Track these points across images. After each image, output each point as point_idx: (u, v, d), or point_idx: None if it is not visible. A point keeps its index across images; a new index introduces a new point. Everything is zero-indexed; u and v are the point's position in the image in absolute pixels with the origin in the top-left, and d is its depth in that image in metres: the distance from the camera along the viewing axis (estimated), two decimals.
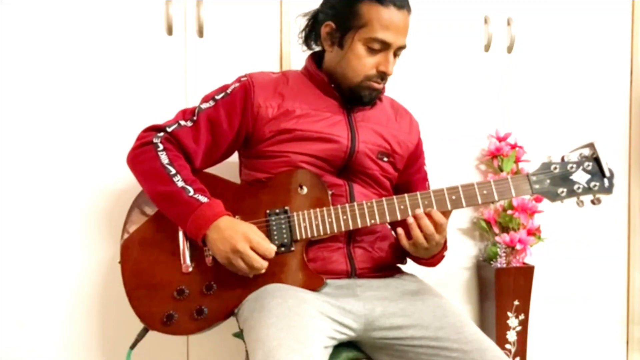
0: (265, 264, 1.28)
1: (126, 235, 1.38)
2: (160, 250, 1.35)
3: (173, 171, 1.32)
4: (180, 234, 1.34)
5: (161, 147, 1.35)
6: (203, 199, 1.29)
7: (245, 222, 1.31)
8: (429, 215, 1.30)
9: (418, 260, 1.47)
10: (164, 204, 1.33)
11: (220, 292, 1.32)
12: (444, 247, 1.44)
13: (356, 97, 1.43)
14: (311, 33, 1.53)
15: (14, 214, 1.68)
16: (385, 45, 1.37)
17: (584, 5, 2.12)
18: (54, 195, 1.71)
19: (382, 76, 1.41)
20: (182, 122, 1.39)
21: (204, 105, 1.41)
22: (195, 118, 1.39)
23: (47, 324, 1.72)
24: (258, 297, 1.28)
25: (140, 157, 1.36)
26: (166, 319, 1.31)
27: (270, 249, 1.29)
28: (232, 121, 1.40)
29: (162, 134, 1.37)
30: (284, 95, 1.42)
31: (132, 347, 1.43)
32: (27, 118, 1.69)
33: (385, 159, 1.46)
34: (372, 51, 1.38)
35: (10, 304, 1.69)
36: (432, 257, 1.42)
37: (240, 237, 1.26)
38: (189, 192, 1.30)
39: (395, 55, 1.41)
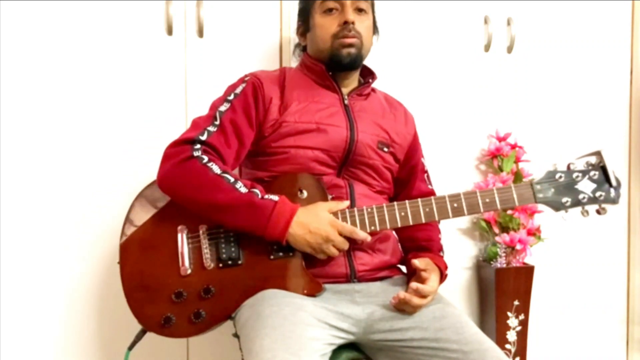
0: (347, 245, 1.31)
1: (125, 237, 1.36)
2: (159, 252, 1.34)
3: (232, 179, 1.28)
4: (180, 236, 1.34)
5: (206, 158, 1.30)
6: (274, 197, 1.28)
7: (315, 206, 1.31)
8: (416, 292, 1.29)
9: None
10: (229, 212, 1.28)
11: (218, 296, 1.31)
12: (443, 277, 1.44)
13: (337, 62, 1.45)
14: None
15: (12, 215, 1.68)
16: (337, 2, 1.44)
17: (584, 5, 2.11)
18: (53, 195, 1.71)
19: (347, 28, 1.43)
20: (210, 129, 1.35)
21: (222, 108, 1.38)
22: (217, 122, 1.36)
23: (45, 324, 1.72)
24: (255, 303, 1.27)
25: (187, 172, 1.29)
26: (164, 322, 1.30)
27: (352, 229, 1.30)
28: (251, 118, 1.39)
29: (198, 145, 1.32)
30: (284, 91, 1.43)
31: (130, 348, 1.43)
32: (27, 118, 1.69)
33: (386, 149, 1.48)
34: (329, 14, 1.45)
35: (9, 304, 1.69)
36: None
37: (328, 226, 1.28)
38: (258, 195, 1.28)
39: (360, 11, 1.46)
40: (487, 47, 2.02)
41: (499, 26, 2.02)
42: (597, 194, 1.27)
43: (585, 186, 1.27)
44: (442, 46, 2.00)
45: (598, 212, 1.28)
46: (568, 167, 1.30)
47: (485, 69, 2.04)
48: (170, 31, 1.75)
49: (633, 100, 2.18)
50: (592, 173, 1.28)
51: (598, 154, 1.29)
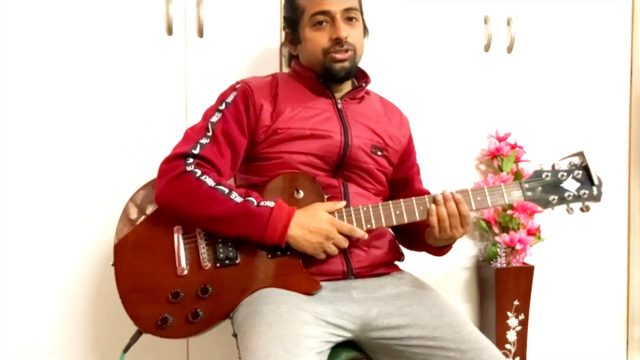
0: (347, 243, 1.33)
1: (120, 237, 1.36)
2: (155, 252, 1.34)
3: (226, 190, 1.30)
4: (176, 236, 1.34)
5: (199, 172, 1.31)
6: (270, 203, 1.29)
7: (313, 207, 1.33)
8: (457, 203, 1.33)
9: (429, 249, 1.50)
10: (227, 223, 1.29)
11: (216, 296, 1.31)
12: (449, 247, 1.48)
13: (331, 76, 1.45)
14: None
15: (12, 214, 1.69)
16: (327, 15, 1.42)
17: (584, 5, 2.11)
18: (53, 195, 1.71)
19: (339, 43, 1.42)
20: (203, 141, 1.36)
21: (214, 119, 1.39)
22: (210, 134, 1.37)
23: (38, 326, 1.72)
24: (252, 301, 1.28)
25: (181, 188, 1.31)
26: (161, 322, 1.30)
27: (350, 227, 1.32)
28: (242, 127, 1.40)
29: (191, 159, 1.33)
30: (276, 97, 1.43)
31: (125, 350, 1.42)
32: (27, 118, 1.69)
33: (379, 153, 1.48)
34: (319, 28, 1.43)
35: (8, 303, 1.70)
36: (445, 246, 1.46)
37: (327, 225, 1.30)
38: (254, 202, 1.29)
39: (350, 20, 1.44)
40: (487, 47, 2.02)
41: (499, 26, 2.02)
42: (581, 192, 1.34)
43: (570, 185, 1.34)
44: (442, 46, 2.00)
45: (582, 209, 1.35)
46: (553, 167, 1.36)
47: (485, 69, 2.04)
48: (170, 31, 1.76)
49: (633, 100, 2.18)
50: (576, 172, 1.34)
51: (581, 154, 1.35)
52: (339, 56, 1.43)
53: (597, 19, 2.13)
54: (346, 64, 1.44)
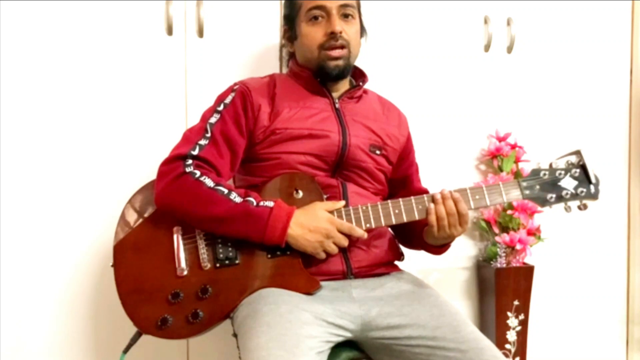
0: (347, 242, 1.33)
1: (119, 238, 1.36)
2: (155, 253, 1.33)
3: (225, 190, 1.30)
4: (175, 236, 1.34)
5: (198, 172, 1.31)
6: (269, 203, 1.30)
7: (312, 206, 1.33)
8: (455, 202, 1.34)
9: (428, 248, 1.50)
10: (226, 224, 1.29)
11: (216, 296, 1.31)
12: (447, 246, 1.48)
13: (325, 73, 1.45)
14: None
15: (10, 215, 1.69)
16: (323, 10, 1.44)
17: (584, 5, 2.11)
18: (52, 196, 1.71)
19: (334, 37, 1.42)
20: (202, 142, 1.36)
21: (213, 120, 1.39)
22: (208, 135, 1.37)
23: (38, 327, 1.72)
24: (252, 301, 1.27)
25: (181, 189, 1.31)
26: (160, 323, 1.30)
27: (350, 226, 1.32)
28: (241, 127, 1.40)
29: (190, 161, 1.33)
30: (274, 97, 1.44)
31: (125, 351, 1.42)
32: (26, 118, 1.69)
33: (378, 152, 1.48)
34: (315, 23, 1.45)
35: (5, 305, 1.70)
36: (444, 245, 1.47)
37: (327, 224, 1.30)
38: (253, 203, 1.29)
39: (347, 16, 1.45)
40: (487, 47, 2.02)
41: (499, 26, 2.02)
42: (579, 190, 1.35)
43: (568, 183, 1.35)
44: (442, 46, 2.00)
45: (579, 207, 1.36)
46: (550, 165, 1.37)
47: (485, 69, 2.04)
48: (170, 31, 1.76)
49: (633, 100, 2.18)
50: (573, 171, 1.36)
51: (578, 153, 1.36)
52: (333, 53, 1.43)
53: (597, 19, 2.13)
54: (340, 63, 1.44)
